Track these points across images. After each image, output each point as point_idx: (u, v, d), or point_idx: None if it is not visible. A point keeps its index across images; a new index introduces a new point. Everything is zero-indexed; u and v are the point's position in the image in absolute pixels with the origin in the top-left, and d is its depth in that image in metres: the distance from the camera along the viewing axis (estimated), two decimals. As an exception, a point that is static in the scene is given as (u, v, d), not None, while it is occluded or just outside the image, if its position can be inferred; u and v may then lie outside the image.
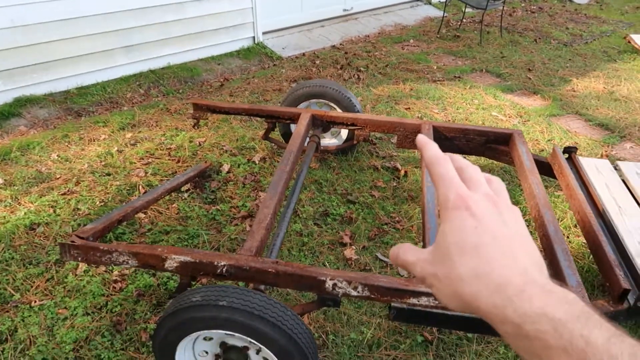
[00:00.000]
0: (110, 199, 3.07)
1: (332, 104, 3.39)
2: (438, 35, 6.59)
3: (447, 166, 0.49)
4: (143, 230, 2.82)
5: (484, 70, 5.43)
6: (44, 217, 2.87)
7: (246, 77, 5.09)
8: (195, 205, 3.04)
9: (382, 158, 3.60)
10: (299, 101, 3.41)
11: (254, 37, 5.70)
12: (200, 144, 3.70)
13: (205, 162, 3.42)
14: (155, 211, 2.98)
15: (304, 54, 5.71)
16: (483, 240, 0.43)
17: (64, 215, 2.91)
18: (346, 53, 5.70)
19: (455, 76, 5.18)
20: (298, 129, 2.94)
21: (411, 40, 6.37)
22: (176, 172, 3.37)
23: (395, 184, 3.30)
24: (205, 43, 5.29)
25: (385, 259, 2.62)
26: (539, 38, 6.63)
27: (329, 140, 3.62)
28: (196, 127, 3.43)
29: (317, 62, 5.41)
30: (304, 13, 6.40)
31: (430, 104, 4.49)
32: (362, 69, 5.25)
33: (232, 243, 2.73)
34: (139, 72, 4.82)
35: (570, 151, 2.82)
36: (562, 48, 6.31)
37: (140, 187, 3.17)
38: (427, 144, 0.52)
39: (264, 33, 5.81)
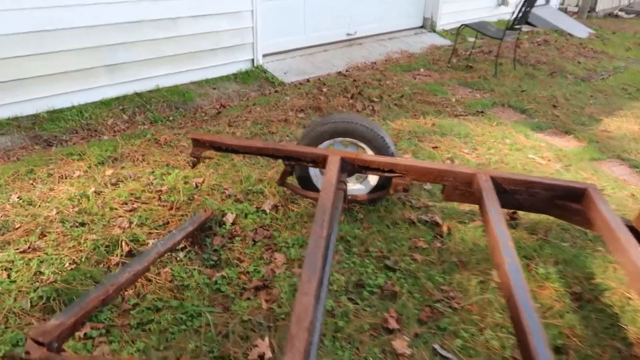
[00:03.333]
0: (83, 259, 2.39)
1: (361, 144, 2.82)
2: (449, 65, 6.15)
3: None
4: (127, 306, 2.15)
5: (505, 105, 4.97)
6: (-7, 286, 2.18)
7: (245, 104, 4.49)
8: (194, 269, 2.39)
9: (417, 209, 3.03)
10: (322, 139, 2.82)
11: (253, 60, 5.13)
12: (197, 186, 3.07)
13: (205, 210, 2.78)
14: (143, 277, 2.31)
15: (308, 80, 5.16)
16: None
17: (21, 282, 2.23)
18: (355, 80, 5.17)
19: (477, 111, 4.69)
20: (328, 177, 2.34)
21: (422, 69, 5.90)
22: (168, 222, 2.71)
23: (439, 244, 2.71)
24: (200, 64, 4.69)
25: (449, 356, 2.01)
26: (554, 72, 6.25)
27: (352, 186, 3.03)
28: (194, 167, 2.80)
29: (324, 89, 4.86)
30: (306, 36, 5.88)
31: (458, 143, 3.97)
32: (375, 99, 4.72)
33: (245, 328, 2.08)
34: (122, 95, 4.17)
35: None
36: (581, 83, 5.94)
37: (124, 242, 2.50)
38: None
39: (263, 56, 5.25)
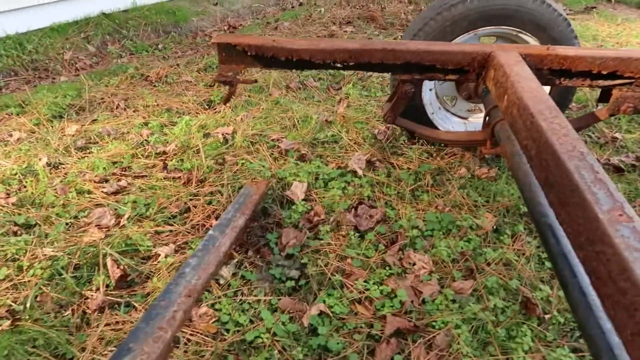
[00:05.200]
0: (27, 306, 1.14)
1: (527, 36, 1.54)
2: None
3: None
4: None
5: (615, 0, 3.64)
6: None
7: (265, 21, 3.13)
8: (257, 302, 1.16)
9: (603, 145, 1.78)
10: (452, 33, 1.54)
11: (262, -34, 3.71)
12: (226, 140, 1.78)
13: (254, 180, 1.52)
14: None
15: (340, -13, 3.77)
16: None
17: None
18: (405, -17, 3.80)
19: (587, 7, 3.38)
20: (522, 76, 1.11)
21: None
22: (189, 209, 1.45)
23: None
24: (192, -29, 3.28)
25: None
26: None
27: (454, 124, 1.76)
28: (226, 103, 1.51)
29: (369, -5, 3.50)
30: None
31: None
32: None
33: None
34: (84, 18, 2.79)
35: None
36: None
37: (110, 260, 1.25)
38: None
39: (275, -40, 3.83)
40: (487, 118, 1.45)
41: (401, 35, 1.61)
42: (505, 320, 1.13)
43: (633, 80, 1.33)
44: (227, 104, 1.52)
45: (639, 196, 1.52)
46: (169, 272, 1.24)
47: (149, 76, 2.35)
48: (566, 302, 1.17)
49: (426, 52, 1.32)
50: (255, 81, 1.54)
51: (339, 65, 1.35)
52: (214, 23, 3.09)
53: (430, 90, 1.70)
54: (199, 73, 2.42)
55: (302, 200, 1.50)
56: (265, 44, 1.35)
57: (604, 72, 1.32)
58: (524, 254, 1.32)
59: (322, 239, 1.36)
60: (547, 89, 1.61)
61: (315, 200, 1.50)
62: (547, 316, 1.14)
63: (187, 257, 1.28)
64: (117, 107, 2.07)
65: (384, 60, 1.33)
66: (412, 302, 1.17)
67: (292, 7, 3.38)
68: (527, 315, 1.15)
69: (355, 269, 1.26)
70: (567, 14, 3.26)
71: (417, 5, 3.25)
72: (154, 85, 2.28)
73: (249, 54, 1.36)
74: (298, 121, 1.91)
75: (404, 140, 1.79)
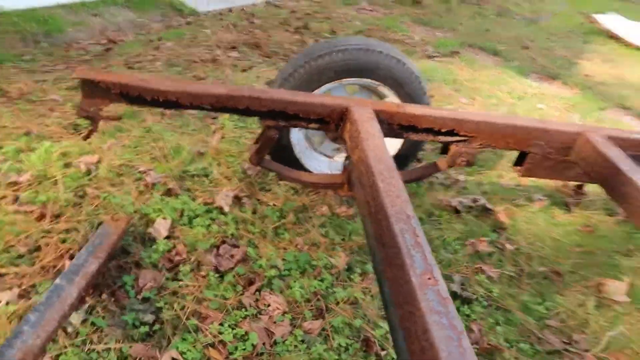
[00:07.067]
0: None
1: (384, 90, 1.70)
2: (392, 0, 5.13)
3: None
4: None
5: (475, 46, 4.10)
6: None
7: (147, 38, 3.05)
8: (109, 346, 1.14)
9: (448, 187, 2.01)
10: (317, 82, 1.65)
11: (149, -22, 3.62)
12: (89, 170, 1.72)
13: (114, 217, 1.49)
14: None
15: (230, 10, 3.80)
16: None
17: None
18: (293, 12, 3.93)
19: (452, 51, 3.76)
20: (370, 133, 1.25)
21: (363, 3, 4.80)
22: (39, 247, 1.38)
23: (507, 244, 1.74)
24: (69, -23, 3.11)
25: None
26: (501, 12, 5.56)
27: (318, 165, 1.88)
28: (87, 139, 1.47)
29: (257, 21, 3.56)
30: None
31: (448, 90, 3.01)
32: (326, 34, 3.55)
33: None
34: None
35: None
36: (531, 24, 5.32)
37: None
38: None
39: (163, -26, 3.76)
40: (347, 162, 1.57)
41: (283, 66, 1.68)
42: (347, 358, 1.24)
43: (467, 139, 1.54)
44: (89, 139, 1.47)
45: (472, 236, 1.75)
46: (10, 322, 1.18)
47: (9, 92, 2.18)
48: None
49: (290, 102, 1.40)
50: (120, 118, 1.52)
51: (207, 107, 1.39)
52: (92, 35, 2.95)
53: (299, 130, 1.80)
54: (69, 91, 2.29)
55: (165, 238, 1.50)
56: (131, 83, 1.34)
57: (444, 130, 1.51)
58: (369, 292, 1.45)
59: (181, 280, 1.37)
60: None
61: (179, 238, 1.51)
62: (383, 352, 1.27)
63: (33, 304, 1.22)
64: (-34, 127, 1.89)
65: (250, 107, 1.39)
66: (264, 344, 1.23)
67: (179, 25, 3.33)
68: (367, 353, 1.27)
69: (211, 312, 1.30)
70: (434, 57, 3.61)
71: (302, 36, 3.38)
72: (15, 103, 2.12)
73: (110, 90, 1.34)
74: (170, 152, 1.90)
75: (273, 176, 1.87)
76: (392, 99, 1.72)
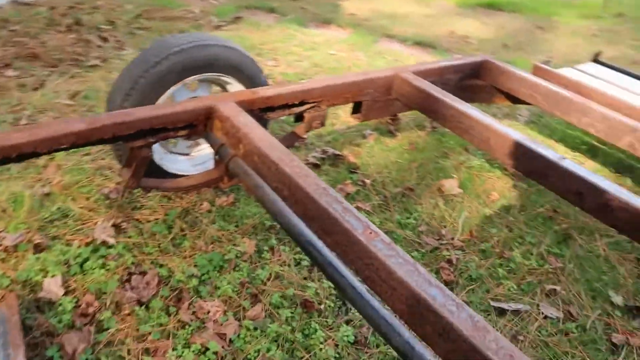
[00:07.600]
0: None
1: (227, 78, 1.76)
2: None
3: None
4: None
5: (252, 7, 4.26)
6: None
7: None
8: None
9: (297, 148, 2.21)
10: (163, 87, 1.62)
11: None
12: None
13: (4, 297, 1.30)
14: None
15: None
16: None
17: None
18: (53, 8, 3.48)
19: (235, 17, 3.86)
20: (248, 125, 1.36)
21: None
22: None
23: (368, 181, 2.03)
24: None
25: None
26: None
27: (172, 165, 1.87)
28: None
29: (16, 27, 3.08)
30: None
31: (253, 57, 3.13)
32: (104, 26, 3.27)
33: None
34: None
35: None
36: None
37: None
38: None
39: None
40: (218, 156, 1.62)
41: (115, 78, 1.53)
42: (296, 324, 1.38)
43: (315, 104, 1.73)
44: None
45: (337, 182, 2.00)
46: None
47: None
48: (331, 290, 1.50)
49: (155, 117, 1.38)
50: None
51: (68, 147, 1.28)
52: None
53: (151, 139, 1.75)
54: None
55: (63, 295, 1.37)
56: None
57: (296, 102, 1.67)
58: (285, 263, 1.59)
59: (108, 328, 1.30)
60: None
61: (80, 289, 1.40)
62: (321, 306, 1.45)
63: None
64: None
65: (116, 134, 1.33)
66: (222, 347, 1.29)
67: None
68: (309, 313, 1.43)
69: (158, 343, 1.28)
70: (221, 26, 3.67)
71: (80, 34, 3.07)
72: None
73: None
74: (9, 204, 1.66)
75: (138, 191, 1.80)
76: (235, 86, 1.79)
